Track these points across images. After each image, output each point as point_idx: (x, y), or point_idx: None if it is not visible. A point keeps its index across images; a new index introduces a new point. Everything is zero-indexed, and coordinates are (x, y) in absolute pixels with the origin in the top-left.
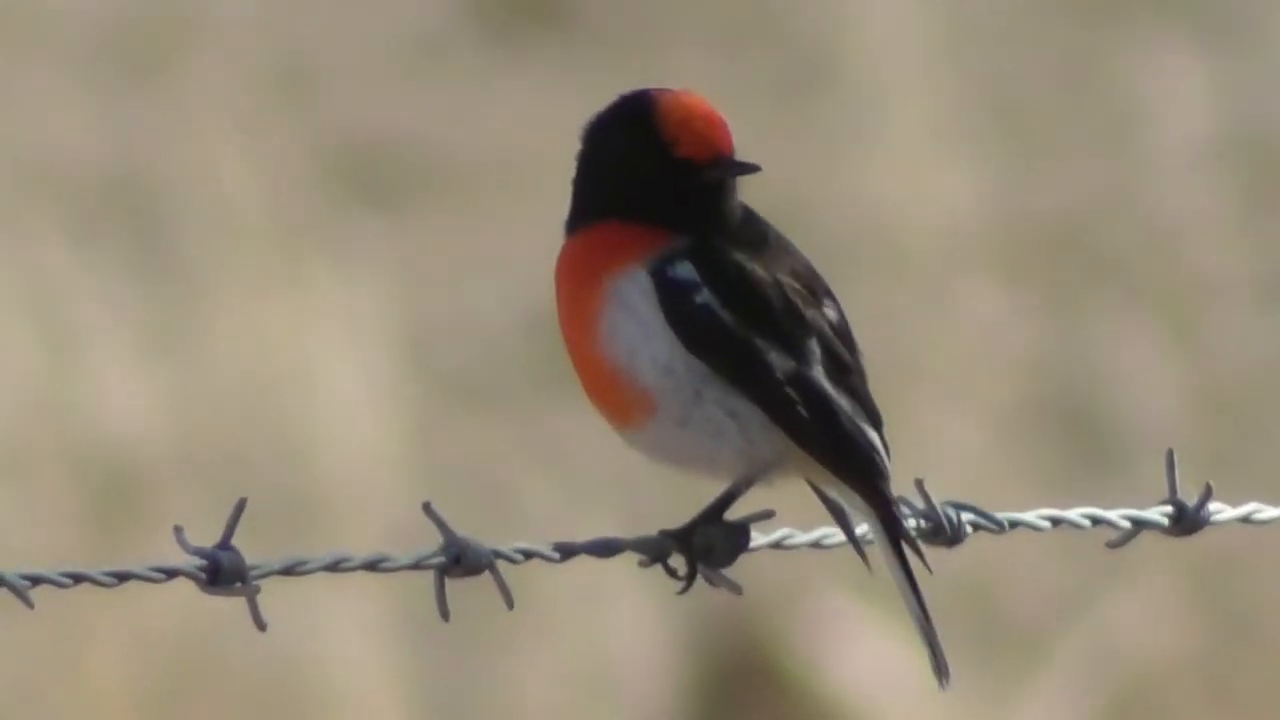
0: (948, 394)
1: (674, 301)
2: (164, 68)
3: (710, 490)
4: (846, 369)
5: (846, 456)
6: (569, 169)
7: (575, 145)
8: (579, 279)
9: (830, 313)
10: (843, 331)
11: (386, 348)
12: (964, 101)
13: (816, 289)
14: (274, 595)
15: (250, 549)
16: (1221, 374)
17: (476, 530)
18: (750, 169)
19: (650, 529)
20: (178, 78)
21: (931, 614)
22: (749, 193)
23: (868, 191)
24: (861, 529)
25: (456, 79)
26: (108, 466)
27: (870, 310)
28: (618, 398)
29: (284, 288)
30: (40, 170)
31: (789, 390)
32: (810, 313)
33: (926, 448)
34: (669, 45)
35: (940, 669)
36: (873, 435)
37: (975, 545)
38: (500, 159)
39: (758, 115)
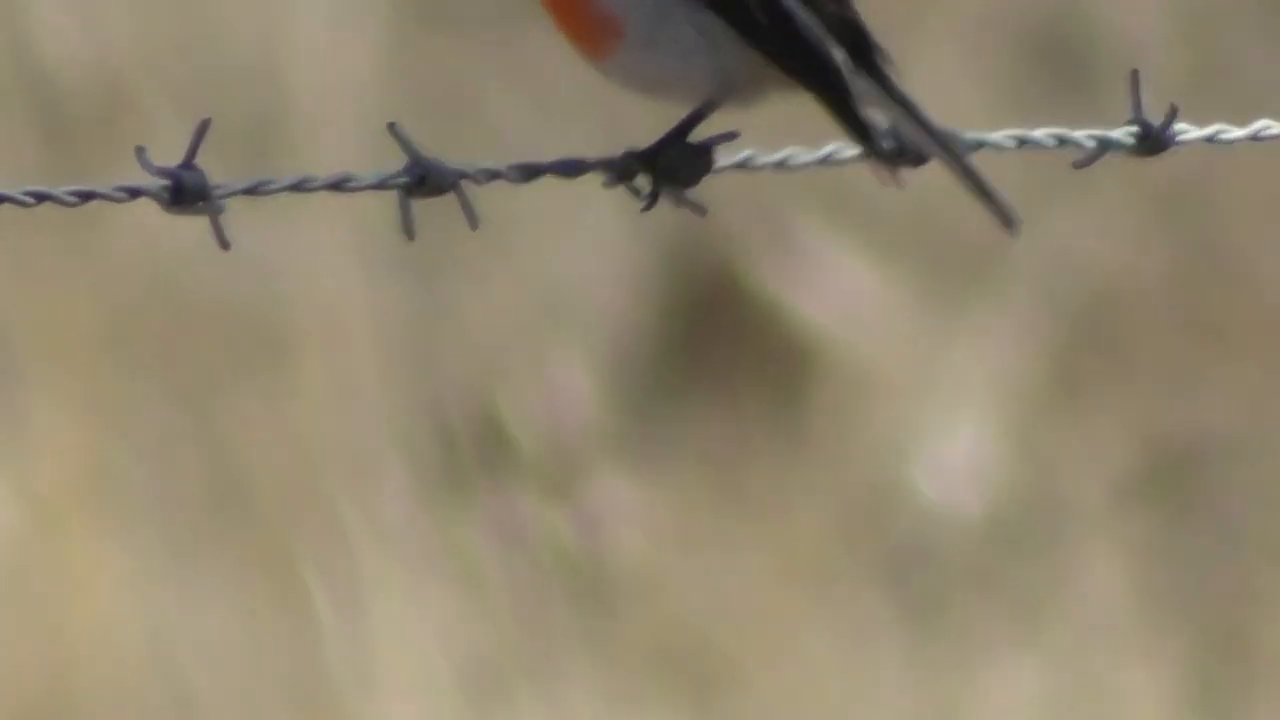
0: (916, 17)
1: None
2: None
3: (680, 116)
4: None
5: (808, 69)
6: None
7: None
8: None
9: None
10: None
11: None
12: None
13: None
14: (239, 220)
15: (220, 172)
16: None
17: (445, 152)
18: None
19: (618, 152)
20: None
21: (974, 168)
22: None
23: None
24: (831, 147)
25: None
26: (72, 92)
27: None
28: (585, 26)
29: None
30: None
31: None
32: None
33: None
34: None
35: (1006, 218)
36: (836, 51)
37: (939, 166)
38: None
39: None
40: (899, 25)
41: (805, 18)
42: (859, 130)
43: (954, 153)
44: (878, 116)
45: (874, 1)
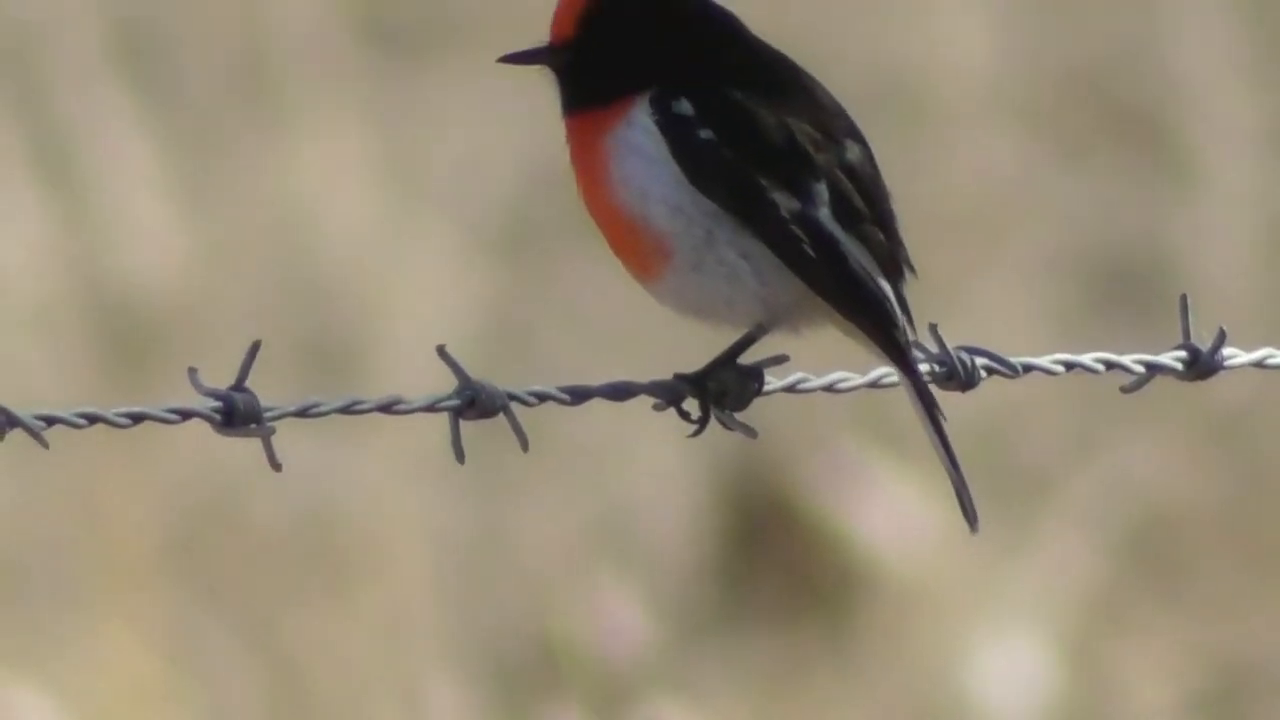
0: (966, 242)
1: (677, 136)
2: None
3: (730, 340)
4: (859, 215)
5: (853, 299)
6: None
7: None
8: (587, 133)
9: (852, 156)
10: (864, 176)
11: (402, 194)
12: None
13: (835, 130)
14: (292, 439)
15: (272, 393)
16: (1237, 221)
17: (493, 376)
18: (534, 59)
19: (668, 375)
20: None
21: (959, 460)
22: (772, 39)
23: (886, 42)
24: (879, 372)
25: None
26: (126, 312)
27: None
28: (636, 246)
29: (299, 134)
30: (47, 12)
31: (794, 228)
32: (822, 156)
33: (946, 295)
34: None
35: (969, 514)
36: (883, 283)
37: (990, 390)
38: (520, 9)
39: None
40: (952, 249)
41: (853, 250)
42: (904, 364)
43: (944, 441)
44: (923, 347)
45: (925, 228)
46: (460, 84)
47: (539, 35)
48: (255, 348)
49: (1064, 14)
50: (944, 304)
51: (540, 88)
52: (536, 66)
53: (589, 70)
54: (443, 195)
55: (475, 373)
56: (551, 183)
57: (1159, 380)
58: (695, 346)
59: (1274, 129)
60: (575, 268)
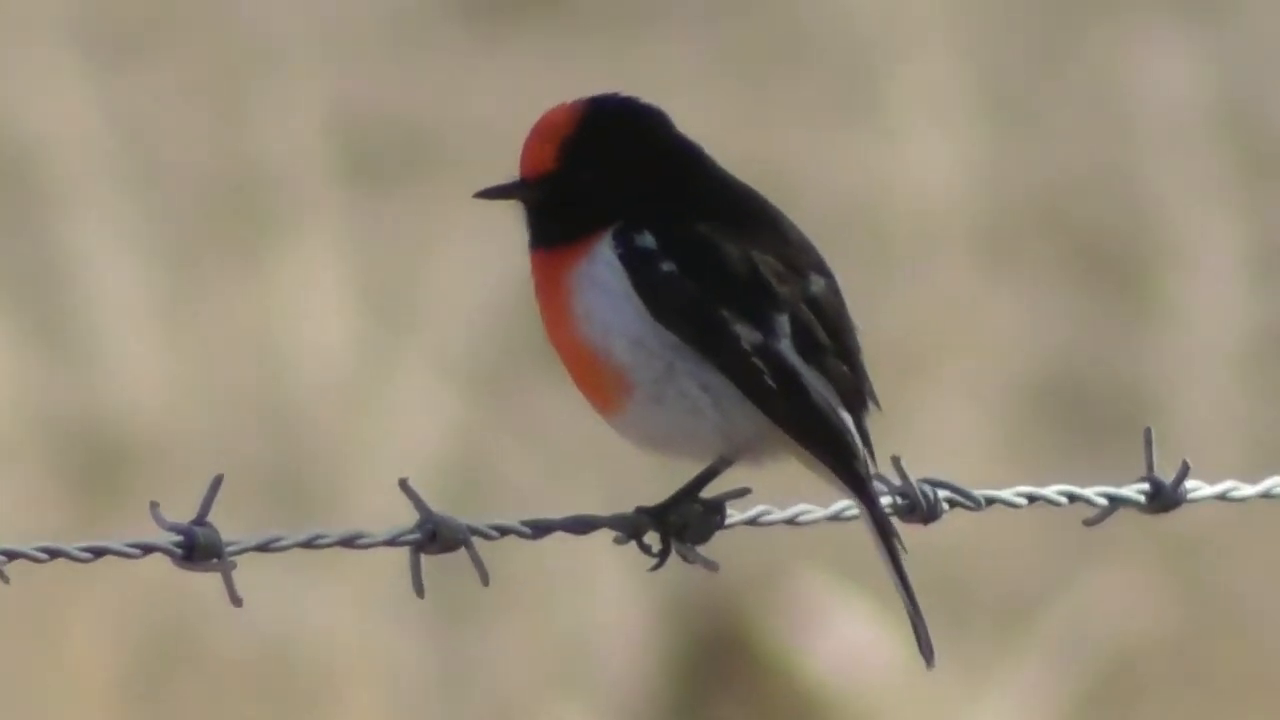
0: (929, 371)
1: (639, 269)
2: (141, 46)
3: (692, 473)
4: (821, 348)
5: (815, 433)
6: None
7: None
8: (551, 267)
9: (816, 289)
10: (829, 308)
11: (367, 324)
12: (949, 78)
13: (800, 264)
14: (255, 570)
15: (233, 525)
16: (1208, 346)
17: (455, 508)
18: (507, 194)
19: (629, 507)
20: (154, 56)
21: (916, 593)
22: (736, 169)
23: (851, 169)
24: (841, 505)
25: (440, 59)
26: (96, 441)
27: (852, 288)
28: (597, 379)
29: (264, 265)
30: (29, 135)
31: (756, 361)
32: (785, 289)
33: (910, 427)
34: (651, 25)
35: (925, 649)
36: (845, 415)
37: (953, 522)
38: (482, 138)
39: (740, 94)
40: (915, 378)
41: (815, 382)
42: (865, 495)
43: (901, 574)
44: (885, 479)
45: (889, 357)
46: (436, 214)
47: (512, 165)
48: (217, 482)
49: (1032, 138)
50: (907, 435)
51: (513, 219)
52: (509, 200)
53: (559, 205)
54: (416, 325)
55: (442, 503)
56: (523, 313)
57: (1123, 511)
58: (661, 478)
59: (1240, 255)
60: (545, 398)
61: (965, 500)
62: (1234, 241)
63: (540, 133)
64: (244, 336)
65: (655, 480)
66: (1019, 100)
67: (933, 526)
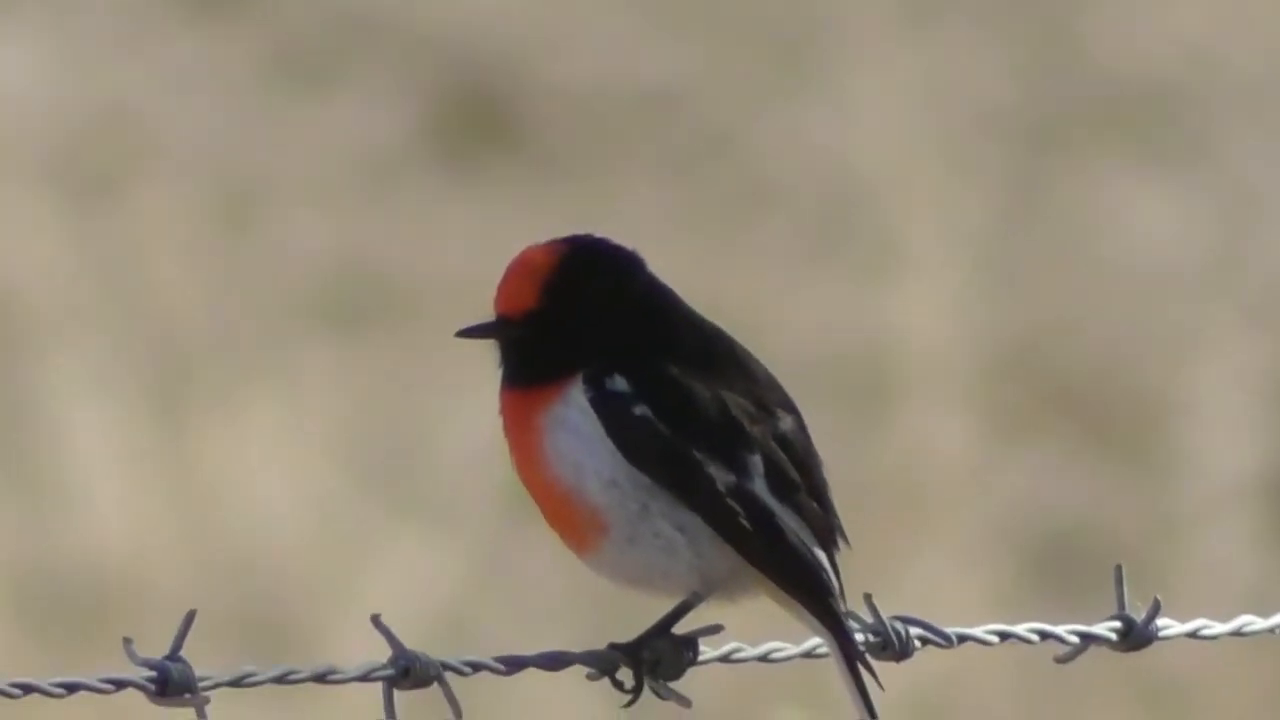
0: (905, 513)
1: (612, 413)
2: (116, 189)
3: (665, 609)
4: (793, 486)
5: (791, 571)
6: None
7: None
8: (523, 408)
9: (785, 427)
10: (798, 446)
11: (337, 470)
12: (916, 224)
13: (769, 402)
14: (228, 710)
15: (212, 661)
16: (1180, 494)
17: (427, 645)
18: (488, 333)
19: (602, 645)
20: (128, 199)
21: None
22: (705, 313)
23: (817, 314)
24: (813, 642)
25: (409, 202)
26: (62, 588)
27: (833, 431)
28: (571, 520)
29: (233, 411)
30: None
31: (730, 502)
32: (756, 428)
33: (882, 565)
34: (623, 168)
35: None
36: (819, 553)
37: (925, 661)
38: (453, 282)
39: (708, 237)
40: (896, 526)
41: (790, 521)
42: (840, 631)
43: (871, 711)
44: (857, 616)
45: (871, 504)
46: (409, 359)
47: (483, 309)
48: (190, 616)
49: (1005, 284)
50: (880, 574)
51: (488, 365)
52: (484, 340)
53: (536, 343)
54: (395, 470)
55: (420, 646)
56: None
57: (1095, 649)
58: (623, 611)
59: (1236, 402)
60: (526, 541)
61: (937, 638)
62: (1223, 388)
63: (520, 270)
64: (219, 481)
65: (629, 618)
66: (993, 246)
67: (905, 664)
